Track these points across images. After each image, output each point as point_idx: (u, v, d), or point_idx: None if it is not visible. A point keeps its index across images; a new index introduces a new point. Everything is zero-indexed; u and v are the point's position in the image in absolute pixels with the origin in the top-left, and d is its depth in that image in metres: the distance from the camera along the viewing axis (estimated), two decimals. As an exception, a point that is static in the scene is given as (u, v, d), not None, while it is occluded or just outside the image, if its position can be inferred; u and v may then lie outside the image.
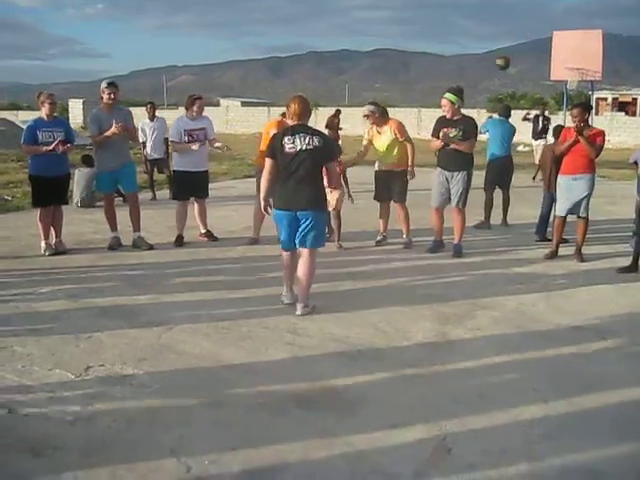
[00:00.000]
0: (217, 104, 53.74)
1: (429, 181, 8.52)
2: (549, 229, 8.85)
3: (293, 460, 3.50)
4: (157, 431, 3.77)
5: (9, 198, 12.37)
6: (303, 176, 5.72)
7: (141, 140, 12.57)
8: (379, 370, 4.69)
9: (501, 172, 10.32)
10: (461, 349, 5.13)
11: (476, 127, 8.32)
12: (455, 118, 8.08)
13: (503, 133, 10.35)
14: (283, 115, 8.27)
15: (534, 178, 15.50)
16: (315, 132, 5.85)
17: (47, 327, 5.47)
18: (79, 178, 11.66)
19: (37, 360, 4.77)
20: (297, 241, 5.90)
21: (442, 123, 8.17)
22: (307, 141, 5.73)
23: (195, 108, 8.56)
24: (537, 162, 15.31)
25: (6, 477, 3.36)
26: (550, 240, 8.50)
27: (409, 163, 8.51)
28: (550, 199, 8.90)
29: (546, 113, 17.61)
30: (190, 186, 8.69)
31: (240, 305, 6.09)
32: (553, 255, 8.15)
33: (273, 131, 8.27)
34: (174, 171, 8.92)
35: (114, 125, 7.78)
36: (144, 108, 13.61)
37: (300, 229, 5.84)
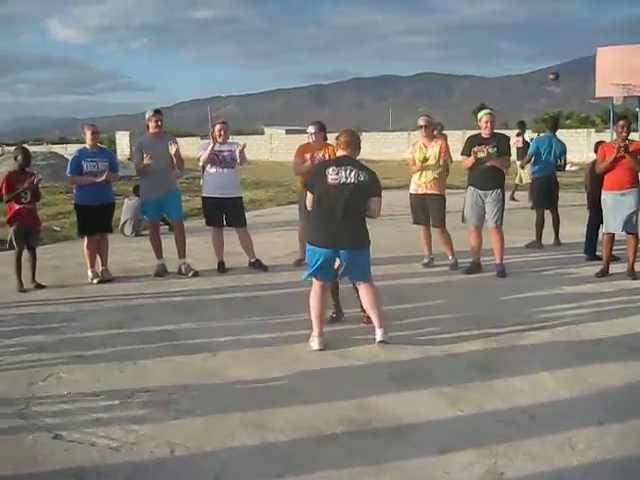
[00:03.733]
0: (261, 132, 54.27)
1: (456, 203, 8.41)
2: (599, 247, 8.63)
3: (340, 486, 3.42)
4: (201, 458, 3.73)
5: (58, 229, 12.58)
6: (346, 212, 5.38)
7: (200, 163, 12.59)
8: (428, 393, 4.58)
9: (546, 191, 10.13)
10: (511, 370, 4.97)
11: (509, 144, 8.26)
12: (488, 136, 8.01)
13: (550, 147, 10.14)
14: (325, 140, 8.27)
15: (512, 197, 14.89)
16: (362, 167, 5.54)
17: (93, 354, 5.50)
18: (127, 207, 11.84)
19: (82, 386, 4.79)
20: (341, 276, 5.70)
21: (475, 141, 8.10)
22: (353, 175, 5.40)
23: (216, 132, 8.50)
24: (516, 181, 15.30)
25: (51, 504, 3.35)
26: (601, 258, 8.29)
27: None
28: (595, 217, 8.67)
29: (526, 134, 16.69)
30: (219, 212, 8.55)
31: (284, 330, 6.01)
32: (604, 273, 7.94)
33: (299, 155, 8.23)
34: (202, 197, 8.83)
35: (146, 158, 7.86)
36: (190, 138, 13.75)
37: (345, 267, 5.54)
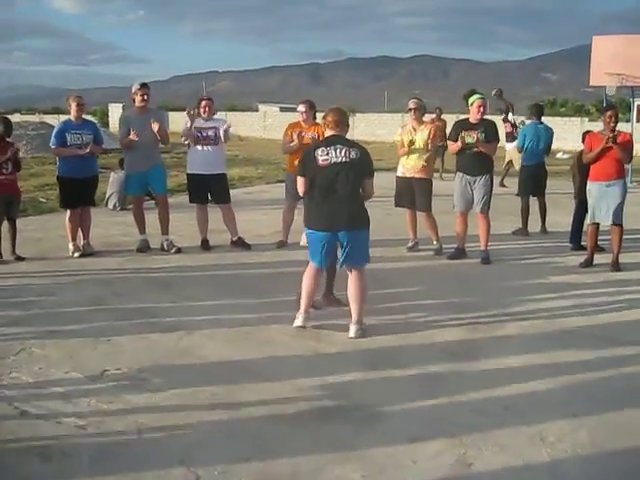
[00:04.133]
0: (256, 109, 53.90)
1: (444, 187, 8.35)
2: (584, 237, 8.59)
3: (307, 474, 3.38)
4: (168, 439, 3.69)
5: (44, 200, 12.45)
6: (340, 192, 5.26)
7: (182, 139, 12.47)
8: (401, 380, 4.54)
9: (534, 179, 10.07)
10: (487, 359, 4.94)
11: (497, 129, 8.19)
12: (477, 121, 7.96)
13: (537, 136, 10.06)
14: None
15: (501, 183, 14.93)
16: (352, 144, 5.43)
17: (68, 329, 5.44)
18: (113, 180, 11.72)
19: (54, 362, 4.74)
20: (341, 261, 5.55)
21: (462, 126, 8.06)
22: (343, 153, 5.27)
23: (200, 108, 8.40)
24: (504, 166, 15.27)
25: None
26: (586, 248, 8.24)
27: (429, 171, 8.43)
28: (581, 207, 8.62)
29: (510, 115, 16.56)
30: (203, 189, 8.46)
31: (264, 311, 5.95)
32: (588, 263, 7.90)
33: (289, 134, 8.14)
34: (187, 174, 8.72)
35: (132, 134, 7.77)
36: (184, 112, 13.59)
37: (343, 249, 5.42)
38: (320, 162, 5.28)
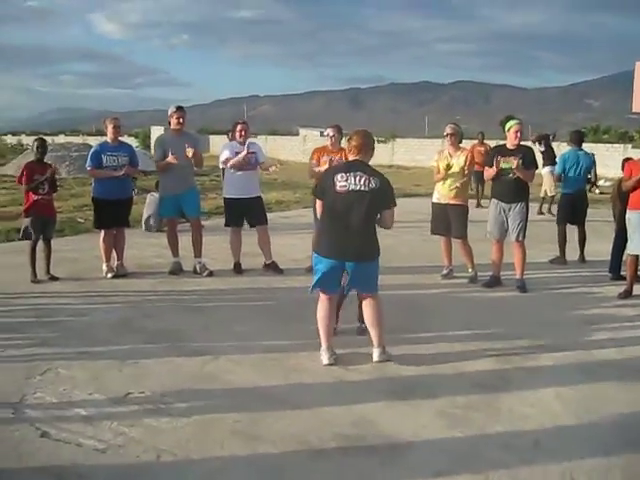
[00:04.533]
0: (296, 133, 54.20)
1: (481, 213, 8.22)
2: (624, 267, 8.37)
3: (326, 505, 3.29)
4: (186, 465, 3.63)
5: (82, 221, 12.59)
6: (354, 221, 5.07)
7: (221, 166, 12.56)
8: (429, 412, 4.41)
9: (574, 207, 9.88)
10: (519, 392, 4.79)
11: (535, 156, 8.06)
12: (514, 147, 7.86)
13: (577, 164, 9.88)
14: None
15: (541, 211, 14.96)
16: (374, 173, 5.18)
17: (96, 351, 5.44)
18: (150, 202, 11.80)
19: (79, 383, 4.73)
20: (347, 289, 5.43)
21: (500, 152, 7.94)
22: (362, 182, 5.06)
23: (237, 132, 8.49)
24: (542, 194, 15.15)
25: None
26: (625, 278, 8.03)
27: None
28: (621, 235, 8.40)
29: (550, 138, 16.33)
30: (240, 213, 8.52)
31: (293, 337, 5.86)
32: (627, 295, 7.68)
33: (315, 158, 8.14)
34: (224, 198, 8.78)
35: (170, 157, 7.81)
36: (225, 136, 13.77)
37: (350, 279, 5.23)
38: (338, 188, 5.10)
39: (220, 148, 8.86)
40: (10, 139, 50.32)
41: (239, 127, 8.48)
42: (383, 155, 41.55)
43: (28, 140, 54.49)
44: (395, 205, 5.32)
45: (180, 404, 4.41)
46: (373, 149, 5.41)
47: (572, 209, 9.86)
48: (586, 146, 10.39)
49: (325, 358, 5.27)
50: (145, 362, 5.18)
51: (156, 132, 47.63)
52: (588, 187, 11.88)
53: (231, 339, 5.81)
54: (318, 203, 5.45)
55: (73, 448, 3.77)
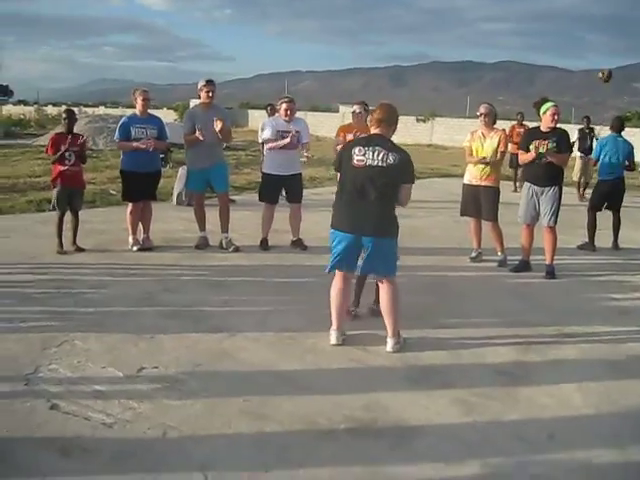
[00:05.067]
0: (336, 110, 53.90)
1: (514, 196, 8.03)
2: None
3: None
4: (192, 443, 3.58)
5: (114, 192, 12.63)
6: (371, 196, 4.90)
7: (260, 140, 12.44)
8: (444, 398, 4.31)
9: (610, 193, 9.64)
10: (539, 381, 4.66)
11: (569, 139, 7.85)
12: (548, 130, 7.63)
13: (616, 150, 9.64)
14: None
15: (582, 196, 14.76)
16: (393, 147, 4.97)
17: (113, 323, 5.42)
18: (181, 175, 11.76)
19: (93, 356, 4.71)
20: (364, 269, 5.24)
21: (534, 135, 7.74)
22: (381, 157, 4.88)
23: (282, 111, 8.42)
24: (575, 178, 15.12)
25: (30, 472, 3.28)
26: (660, 267, 7.81)
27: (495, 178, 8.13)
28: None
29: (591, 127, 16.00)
30: (277, 189, 8.57)
31: (312, 317, 5.74)
32: (661, 284, 7.48)
33: (341, 135, 8.02)
34: (263, 173, 8.77)
35: (197, 132, 7.76)
36: (264, 110, 13.72)
37: (367, 256, 5.06)
38: (355, 162, 4.95)
39: (260, 123, 8.75)
40: (51, 109, 50.85)
41: (284, 106, 8.38)
42: (423, 134, 41.18)
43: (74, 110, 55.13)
44: (413, 182, 5.11)
45: (192, 381, 4.37)
46: (396, 124, 5.23)
47: (607, 196, 9.64)
48: (630, 131, 10.09)
49: (333, 338, 5.20)
50: (161, 337, 5.15)
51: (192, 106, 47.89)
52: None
53: (250, 316, 5.76)
54: (339, 176, 5.35)
55: (81, 422, 3.75)
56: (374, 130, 5.13)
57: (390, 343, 5.13)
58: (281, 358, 4.86)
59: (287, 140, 8.18)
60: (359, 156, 4.95)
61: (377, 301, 5.62)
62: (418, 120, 41.42)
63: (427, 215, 11.60)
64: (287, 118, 8.35)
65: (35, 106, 53.90)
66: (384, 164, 4.90)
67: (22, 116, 39.98)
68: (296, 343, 5.18)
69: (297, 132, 8.30)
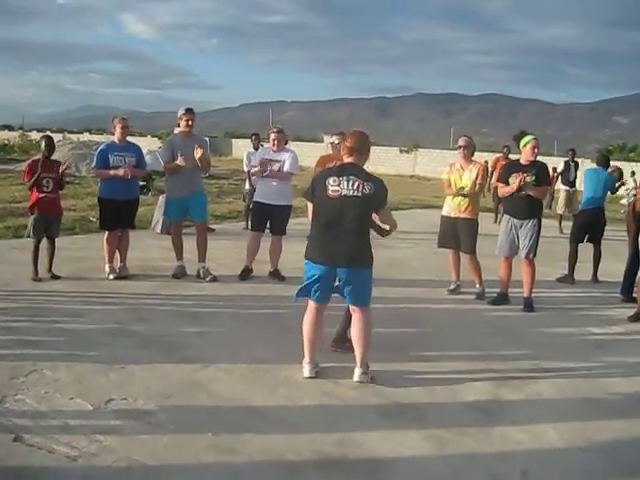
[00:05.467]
0: (321, 140, 54.20)
1: (493, 228, 8.05)
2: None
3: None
4: (157, 476, 3.51)
5: (94, 219, 12.54)
6: (346, 226, 4.82)
7: (245, 169, 12.40)
8: (416, 433, 4.26)
9: (591, 224, 9.70)
10: (513, 417, 4.61)
11: (549, 172, 7.91)
12: (527, 163, 7.69)
13: (598, 183, 9.71)
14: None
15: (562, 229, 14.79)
16: (368, 177, 4.90)
17: (85, 353, 5.34)
18: (161, 204, 11.71)
19: (62, 387, 4.63)
20: (341, 295, 5.10)
21: (514, 168, 7.79)
22: (356, 186, 4.81)
23: (271, 141, 8.43)
24: (560, 211, 15.14)
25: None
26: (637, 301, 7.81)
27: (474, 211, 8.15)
28: (635, 257, 8.19)
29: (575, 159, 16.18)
30: (264, 218, 8.49)
31: (288, 347, 5.63)
32: (638, 317, 7.48)
33: (320, 165, 8.04)
34: (253, 202, 8.76)
35: (180, 159, 7.73)
36: (249, 139, 13.70)
37: (342, 287, 4.98)
38: (330, 192, 4.87)
39: (245, 152, 8.72)
40: (35, 135, 50.74)
41: (272, 136, 8.40)
42: (406, 165, 41.40)
43: (53, 137, 55.03)
44: (386, 204, 5.05)
45: (161, 413, 4.29)
46: (368, 151, 5.16)
47: (588, 227, 9.69)
48: (614, 164, 10.22)
49: (306, 371, 5.13)
50: (132, 367, 5.07)
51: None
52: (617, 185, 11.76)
53: (224, 347, 5.70)
54: (309, 207, 5.30)
55: (45, 454, 3.67)
56: (347, 159, 5.06)
57: (357, 373, 5.05)
58: (254, 391, 4.80)
59: (257, 168, 8.24)
60: (334, 186, 4.87)
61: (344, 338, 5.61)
62: (401, 151, 41.70)
63: (408, 246, 11.62)
64: (275, 148, 8.36)
65: (19, 131, 53.74)
66: (359, 194, 4.82)
67: (6, 141, 39.84)
68: (269, 375, 5.12)
69: (276, 162, 8.29)
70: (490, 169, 14.80)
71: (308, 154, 41.85)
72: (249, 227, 8.95)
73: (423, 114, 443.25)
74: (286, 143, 8.64)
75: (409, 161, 41.08)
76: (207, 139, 8.81)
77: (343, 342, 5.71)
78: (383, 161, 44.17)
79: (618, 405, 4.97)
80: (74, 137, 50.62)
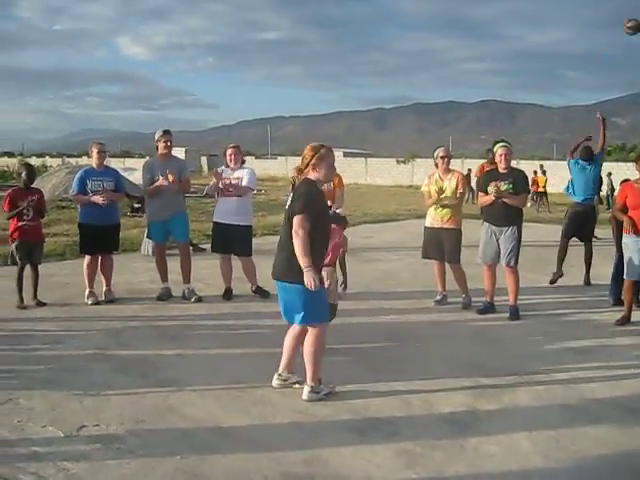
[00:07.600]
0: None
1: (476, 237, 8.05)
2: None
3: None
4: (120, 506, 3.49)
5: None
6: (280, 240, 4.98)
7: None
8: (387, 450, 4.22)
9: (581, 221, 9.65)
10: (488, 429, 4.58)
11: (527, 180, 7.92)
12: (505, 171, 7.69)
13: (587, 177, 9.68)
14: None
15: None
16: (296, 189, 5.00)
17: (62, 380, 5.34)
18: (150, 226, 11.74)
19: (35, 415, 4.62)
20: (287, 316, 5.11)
21: (491, 177, 7.78)
22: (290, 199, 5.08)
23: (228, 157, 8.34)
24: None
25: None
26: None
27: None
28: (621, 259, 8.15)
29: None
30: (225, 239, 8.25)
31: (264, 366, 5.58)
32: (625, 321, 7.43)
33: None
34: (213, 222, 8.56)
35: (161, 179, 7.74)
36: (248, 157, 13.66)
37: (280, 302, 5.06)
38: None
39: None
40: (34, 161, 51.04)
41: (229, 152, 8.33)
42: (404, 175, 41.43)
43: (52, 162, 55.23)
44: (298, 213, 4.73)
45: (131, 439, 4.28)
46: (315, 160, 4.92)
47: (578, 220, 9.63)
48: (609, 165, 10.17)
49: (274, 381, 5.28)
50: (107, 393, 5.06)
51: (176, 154, 47.98)
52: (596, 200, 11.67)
53: (202, 368, 5.69)
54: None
55: (11, 485, 3.66)
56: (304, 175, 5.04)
57: (305, 390, 5.02)
58: (226, 412, 4.77)
59: (213, 182, 8.22)
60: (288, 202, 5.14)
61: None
62: (398, 162, 41.76)
63: (398, 258, 11.62)
64: (232, 164, 8.29)
65: (19, 158, 54.06)
66: (287, 206, 5.02)
67: (6, 168, 40.05)
68: (244, 395, 5.10)
69: (235, 179, 8.21)
70: (476, 177, 14.79)
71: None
72: (211, 249, 8.75)
73: (421, 124, 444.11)
74: (243, 162, 8.46)
75: (407, 171, 41.14)
76: (185, 160, 8.78)
77: None
78: (382, 172, 44.22)
79: (597, 413, 4.90)
80: (73, 161, 50.86)
